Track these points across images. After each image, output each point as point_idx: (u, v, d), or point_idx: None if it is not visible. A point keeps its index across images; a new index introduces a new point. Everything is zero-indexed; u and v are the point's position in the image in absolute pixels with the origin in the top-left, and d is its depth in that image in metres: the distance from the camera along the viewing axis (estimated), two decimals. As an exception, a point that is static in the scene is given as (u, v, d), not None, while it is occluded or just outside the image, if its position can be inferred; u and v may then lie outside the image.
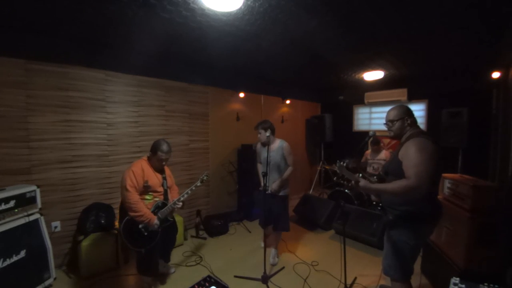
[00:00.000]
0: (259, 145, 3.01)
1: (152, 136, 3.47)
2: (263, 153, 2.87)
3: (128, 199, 2.08)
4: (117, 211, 3.04)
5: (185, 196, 2.29)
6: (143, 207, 2.12)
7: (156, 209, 2.23)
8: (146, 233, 2.17)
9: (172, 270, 2.62)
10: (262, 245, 3.09)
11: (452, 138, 3.73)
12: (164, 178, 2.36)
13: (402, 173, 1.59)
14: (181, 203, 2.27)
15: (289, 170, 2.85)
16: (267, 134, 2.74)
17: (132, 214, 2.09)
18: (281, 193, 2.86)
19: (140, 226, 2.15)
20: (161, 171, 2.37)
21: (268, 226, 2.97)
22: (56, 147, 2.75)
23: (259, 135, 2.83)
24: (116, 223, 3.00)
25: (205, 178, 2.40)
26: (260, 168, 3.04)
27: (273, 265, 2.92)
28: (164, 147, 2.22)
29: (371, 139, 2.02)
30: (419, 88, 4.67)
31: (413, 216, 1.65)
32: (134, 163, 2.25)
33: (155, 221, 2.14)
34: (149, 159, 2.30)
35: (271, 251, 3.05)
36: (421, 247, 1.82)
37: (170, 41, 2.77)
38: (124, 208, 2.15)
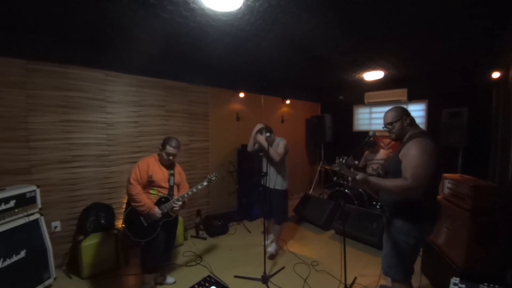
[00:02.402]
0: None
1: (152, 136, 3.48)
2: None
3: (130, 191, 2.20)
4: (117, 211, 3.06)
5: (185, 196, 2.32)
6: (144, 198, 2.21)
7: (158, 203, 2.27)
8: (146, 224, 2.24)
9: (171, 280, 2.60)
10: (270, 237, 3.25)
11: (452, 138, 3.72)
12: (172, 175, 2.39)
13: (401, 173, 1.59)
14: (179, 203, 2.28)
15: (273, 152, 2.83)
16: (267, 134, 2.87)
17: (134, 204, 2.20)
18: (278, 187, 2.97)
19: (141, 217, 2.24)
20: (169, 167, 2.40)
21: (269, 219, 3.14)
22: (56, 147, 2.75)
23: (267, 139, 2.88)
24: (116, 223, 3.00)
25: (213, 178, 2.42)
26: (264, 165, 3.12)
27: (270, 254, 3.00)
28: (173, 142, 2.30)
29: (371, 138, 2.01)
30: (419, 88, 4.67)
31: (412, 216, 1.66)
32: (142, 159, 2.35)
33: (156, 210, 2.19)
34: (159, 155, 2.37)
35: (272, 245, 3.13)
36: (420, 247, 1.82)
37: (170, 41, 2.77)
38: (129, 201, 2.27)
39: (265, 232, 2.81)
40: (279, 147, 2.92)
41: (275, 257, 3.05)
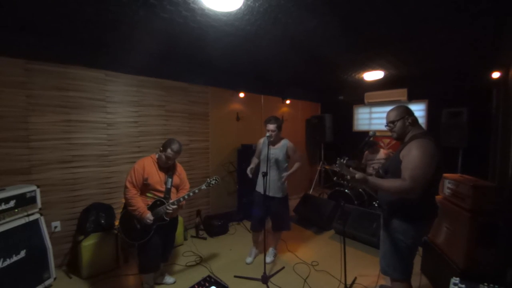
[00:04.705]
0: (262, 140, 2.94)
1: (152, 136, 3.48)
2: (264, 149, 2.80)
3: (125, 194, 2.20)
4: (117, 211, 3.06)
5: (181, 200, 2.29)
6: (138, 202, 2.19)
7: (154, 206, 2.26)
8: (138, 226, 2.23)
9: (171, 280, 2.59)
10: (254, 251, 3.03)
11: (452, 138, 3.73)
12: (170, 176, 2.36)
13: (400, 173, 1.59)
14: (173, 207, 2.25)
15: (297, 164, 2.86)
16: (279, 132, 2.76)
17: (128, 208, 2.21)
18: (278, 195, 2.81)
19: (135, 220, 2.24)
20: (167, 169, 2.37)
21: (261, 230, 2.87)
22: (56, 147, 2.75)
23: (272, 133, 2.69)
24: (116, 223, 3.00)
25: (213, 182, 2.37)
26: (255, 162, 2.94)
27: (268, 263, 2.89)
28: (175, 146, 2.25)
29: (371, 138, 2.01)
30: (419, 88, 4.67)
31: (409, 216, 1.66)
32: (139, 160, 2.31)
33: (147, 215, 2.17)
34: (158, 156, 2.33)
35: (269, 249, 3.05)
36: (418, 246, 1.82)
37: (170, 41, 2.77)
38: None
39: (265, 240, 2.67)
40: (296, 153, 2.83)
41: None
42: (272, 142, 2.77)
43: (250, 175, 2.78)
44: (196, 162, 4.00)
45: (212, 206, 4.23)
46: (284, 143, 2.83)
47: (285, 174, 2.77)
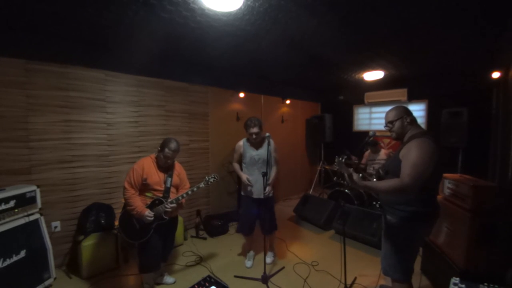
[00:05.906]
0: (242, 143, 2.89)
1: (152, 136, 3.48)
2: (249, 151, 2.79)
3: (124, 194, 2.22)
4: (117, 211, 3.05)
5: (180, 199, 2.29)
6: (136, 201, 2.20)
7: (152, 206, 2.26)
8: (138, 226, 2.24)
9: (171, 280, 2.59)
10: (252, 254, 3.00)
11: (452, 138, 3.73)
12: (170, 176, 2.36)
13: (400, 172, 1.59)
14: (172, 205, 2.24)
15: (274, 171, 2.78)
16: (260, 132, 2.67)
17: (127, 208, 2.22)
18: (271, 194, 2.80)
19: (134, 219, 2.25)
20: (166, 169, 2.37)
21: (252, 231, 2.89)
22: (56, 147, 2.75)
23: (255, 135, 2.68)
24: (116, 223, 3.00)
25: (211, 180, 2.38)
26: (237, 168, 2.90)
27: (268, 264, 2.87)
28: (172, 145, 2.25)
29: (371, 138, 2.01)
30: (419, 88, 4.68)
31: (411, 216, 1.66)
32: (139, 161, 2.32)
33: (146, 212, 2.17)
34: (157, 156, 2.34)
35: (268, 253, 3.01)
36: (419, 247, 1.82)
37: (170, 41, 2.77)
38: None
39: (250, 246, 2.66)
40: (275, 153, 2.76)
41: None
42: (258, 144, 2.76)
43: (251, 184, 2.71)
44: (196, 162, 4.00)
45: (212, 206, 4.22)
46: (268, 141, 2.74)
47: (269, 183, 2.69)
